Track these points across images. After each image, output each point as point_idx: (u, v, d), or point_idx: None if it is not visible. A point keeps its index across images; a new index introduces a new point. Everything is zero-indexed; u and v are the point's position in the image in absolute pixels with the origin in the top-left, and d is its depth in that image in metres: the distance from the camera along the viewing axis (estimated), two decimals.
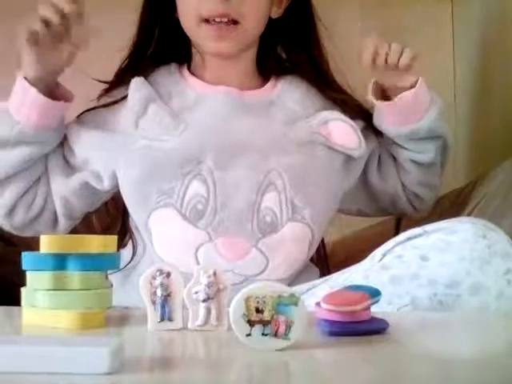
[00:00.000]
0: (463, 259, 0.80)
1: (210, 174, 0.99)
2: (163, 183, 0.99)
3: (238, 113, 1.04)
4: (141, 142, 1.02)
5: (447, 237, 0.83)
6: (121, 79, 1.09)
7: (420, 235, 0.85)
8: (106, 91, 1.09)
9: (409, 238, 0.86)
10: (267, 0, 1.07)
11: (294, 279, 1.00)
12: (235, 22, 1.03)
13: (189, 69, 1.12)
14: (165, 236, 1.00)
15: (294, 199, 1.00)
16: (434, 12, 1.54)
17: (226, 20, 1.02)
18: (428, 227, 0.85)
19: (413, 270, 0.82)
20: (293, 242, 0.99)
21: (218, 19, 1.02)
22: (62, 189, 1.05)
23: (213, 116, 1.03)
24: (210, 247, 0.96)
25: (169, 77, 1.09)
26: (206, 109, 1.04)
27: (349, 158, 1.06)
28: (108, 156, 1.03)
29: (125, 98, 1.05)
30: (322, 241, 1.11)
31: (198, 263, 0.95)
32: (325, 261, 1.14)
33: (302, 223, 1.00)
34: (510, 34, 1.30)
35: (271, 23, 1.10)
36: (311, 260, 1.07)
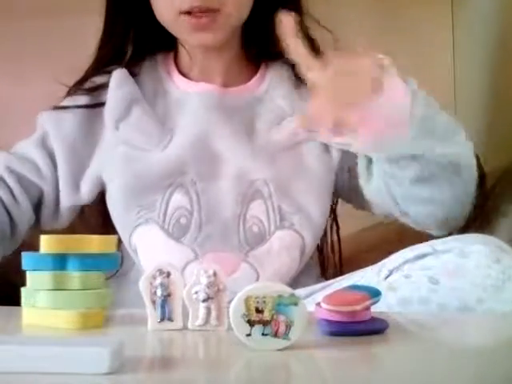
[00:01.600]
0: (476, 286, 0.76)
1: (193, 184, 0.95)
2: (144, 197, 0.96)
3: (220, 118, 0.98)
4: (120, 148, 0.98)
5: (459, 259, 0.79)
6: (98, 71, 1.02)
7: (430, 254, 0.81)
8: (80, 84, 1.03)
9: (418, 257, 0.82)
10: None
11: (292, 282, 0.96)
12: (215, 9, 0.94)
13: (175, 59, 1.05)
14: (149, 255, 0.96)
15: (282, 205, 0.95)
16: (433, 12, 1.53)
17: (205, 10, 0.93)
18: (438, 245, 0.81)
19: (422, 293, 0.78)
20: (283, 251, 0.95)
21: (196, 10, 0.93)
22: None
23: (195, 124, 0.98)
24: (196, 265, 0.90)
25: (154, 72, 1.03)
26: (188, 115, 0.98)
27: (345, 153, 0.97)
28: (96, 166, 1.00)
29: (102, 88, 1.00)
30: (325, 234, 1.06)
31: (185, 283, 0.84)
32: (332, 258, 1.10)
33: (291, 230, 0.96)
34: (511, 34, 1.30)
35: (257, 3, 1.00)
36: (311, 258, 1.03)
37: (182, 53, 1.04)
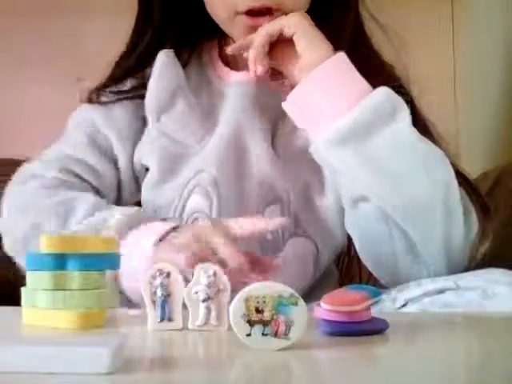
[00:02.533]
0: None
1: (214, 185, 0.90)
2: (163, 195, 0.92)
3: (254, 112, 0.93)
4: (160, 141, 0.94)
5: (482, 301, 0.76)
6: (140, 62, 0.96)
7: (452, 289, 0.78)
8: (116, 81, 0.97)
9: (438, 291, 0.78)
10: None
11: (308, 290, 0.93)
12: (274, 9, 0.88)
13: (220, 46, 1.00)
14: None
15: (298, 212, 0.92)
16: (433, 12, 1.53)
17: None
18: (460, 281, 0.78)
19: None
20: (296, 260, 0.92)
21: (255, 11, 0.88)
22: None
23: (231, 116, 0.93)
24: None
25: (199, 61, 0.99)
26: (227, 107, 0.94)
27: None
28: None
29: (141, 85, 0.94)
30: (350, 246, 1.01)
31: None
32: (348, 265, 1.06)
33: (305, 237, 0.92)
34: (510, 33, 1.30)
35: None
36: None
37: (228, 42, 0.98)
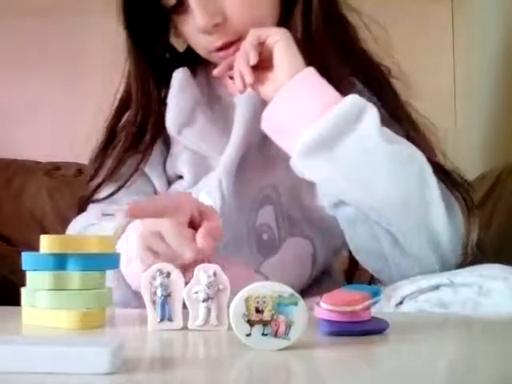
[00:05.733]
0: None
1: (219, 185, 0.91)
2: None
3: (257, 121, 0.92)
4: (185, 154, 0.96)
5: (478, 298, 0.76)
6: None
7: (446, 285, 0.78)
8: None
9: (432, 287, 0.78)
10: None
11: (305, 288, 0.94)
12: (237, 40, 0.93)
13: None
14: None
15: (292, 211, 0.93)
16: (433, 12, 1.54)
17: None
18: (455, 277, 0.78)
19: None
20: (294, 259, 0.93)
21: (223, 46, 0.94)
22: None
23: (240, 131, 0.94)
24: None
25: (205, 76, 1.02)
26: (237, 122, 0.95)
27: None
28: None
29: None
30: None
31: None
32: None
33: (302, 237, 0.93)
34: (510, 33, 1.30)
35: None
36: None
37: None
